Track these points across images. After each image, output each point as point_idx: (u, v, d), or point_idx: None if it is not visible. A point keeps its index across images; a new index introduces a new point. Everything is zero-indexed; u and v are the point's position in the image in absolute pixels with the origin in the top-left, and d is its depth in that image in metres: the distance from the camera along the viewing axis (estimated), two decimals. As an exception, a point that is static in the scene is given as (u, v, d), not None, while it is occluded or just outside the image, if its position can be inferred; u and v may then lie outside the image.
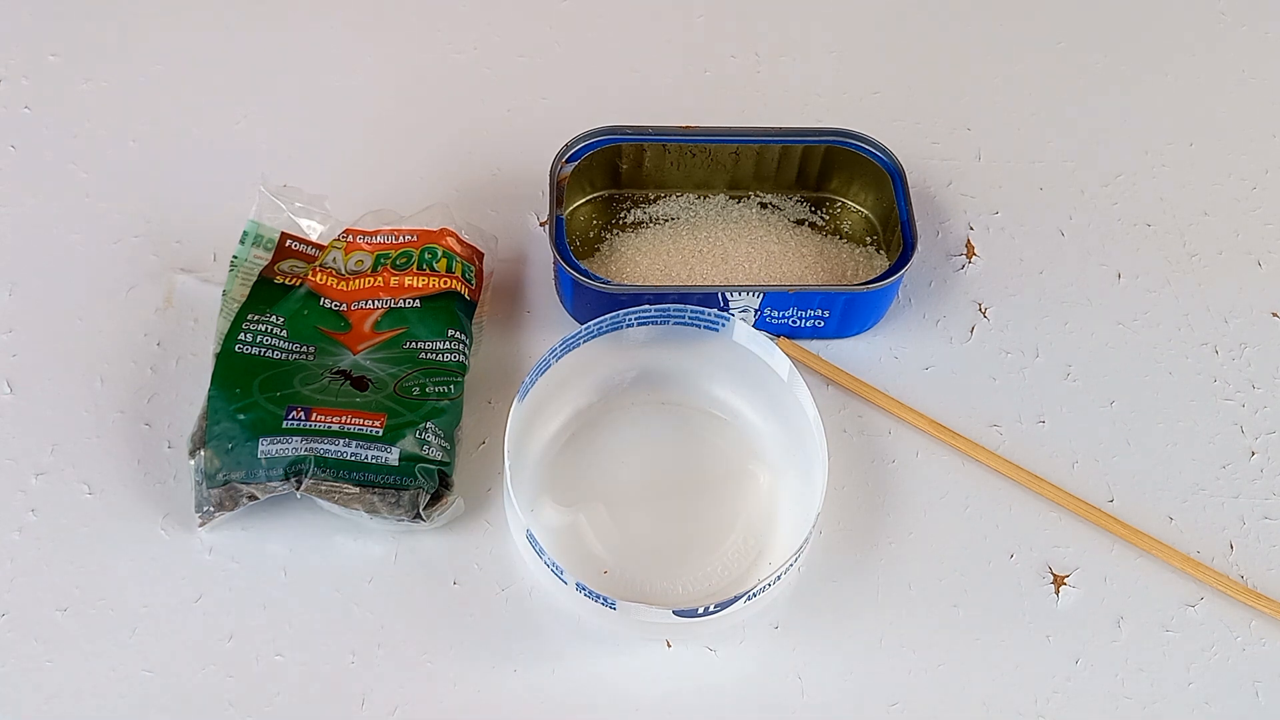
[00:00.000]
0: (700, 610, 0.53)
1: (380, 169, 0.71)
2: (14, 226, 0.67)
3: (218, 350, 0.59)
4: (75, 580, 0.56)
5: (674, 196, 0.70)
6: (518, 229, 0.69)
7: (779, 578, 0.54)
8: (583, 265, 0.65)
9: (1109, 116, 0.77)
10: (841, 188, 0.70)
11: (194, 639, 0.55)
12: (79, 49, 0.75)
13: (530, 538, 0.54)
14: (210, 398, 0.58)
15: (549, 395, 0.60)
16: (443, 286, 0.62)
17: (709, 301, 0.63)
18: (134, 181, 0.69)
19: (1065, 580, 0.59)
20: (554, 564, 0.53)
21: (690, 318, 0.60)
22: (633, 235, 0.69)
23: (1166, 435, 0.63)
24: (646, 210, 0.70)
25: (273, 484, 0.56)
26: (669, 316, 0.60)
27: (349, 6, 0.79)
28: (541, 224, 0.70)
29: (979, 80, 0.78)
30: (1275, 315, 0.68)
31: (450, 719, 0.54)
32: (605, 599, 0.53)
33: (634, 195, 0.70)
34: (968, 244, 0.70)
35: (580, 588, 0.53)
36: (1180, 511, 0.61)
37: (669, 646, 0.56)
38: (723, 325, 0.60)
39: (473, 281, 0.63)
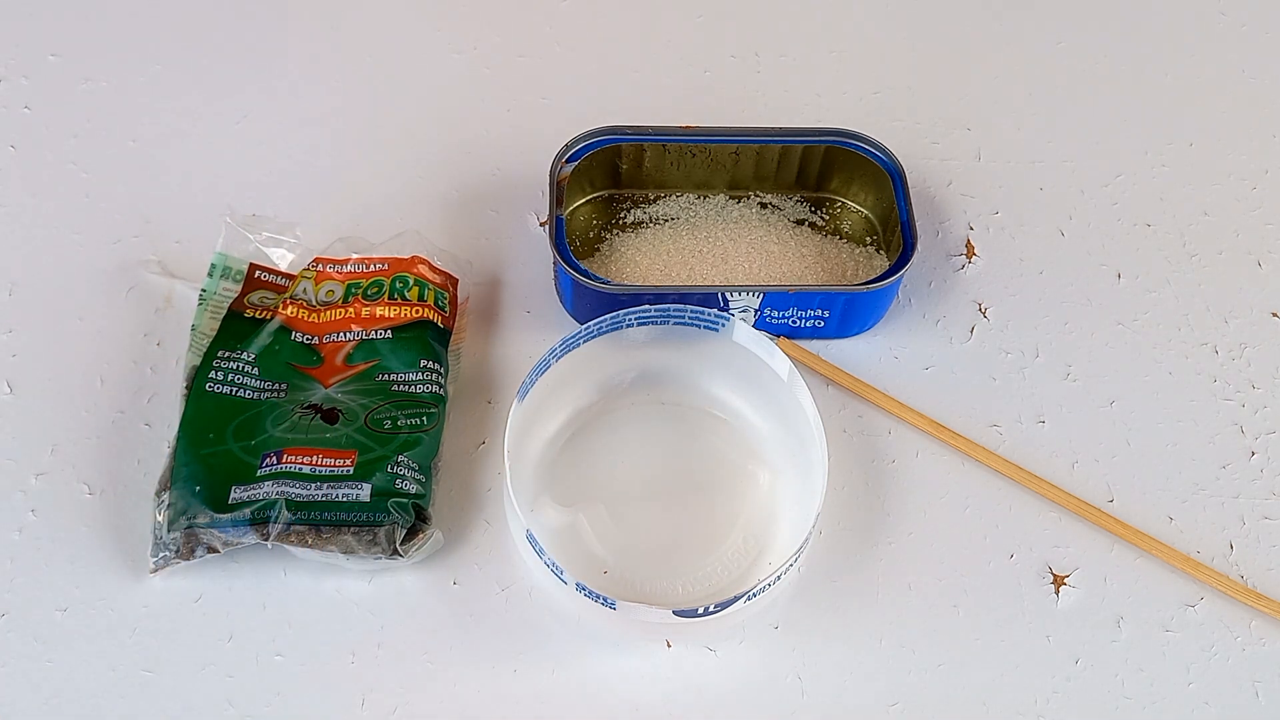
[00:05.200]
0: (700, 610, 0.53)
1: (381, 169, 0.71)
2: (14, 226, 0.67)
3: (187, 388, 0.59)
4: (75, 580, 0.56)
5: (674, 196, 0.70)
6: (518, 229, 0.69)
7: (779, 578, 0.54)
8: (583, 265, 0.65)
9: (1109, 116, 0.77)
10: (841, 188, 0.70)
11: (194, 639, 0.55)
12: (79, 49, 0.75)
13: (530, 538, 0.54)
14: (179, 439, 0.57)
15: (549, 395, 0.59)
16: (415, 316, 0.62)
17: (709, 301, 0.63)
18: (134, 182, 0.69)
19: (1065, 580, 0.59)
20: (554, 564, 0.53)
21: (690, 318, 0.60)
22: (633, 235, 0.69)
23: (1166, 435, 0.63)
24: (646, 210, 0.70)
25: (238, 533, 0.55)
26: (669, 316, 0.60)
27: (349, 7, 0.79)
28: (541, 224, 0.70)
29: (979, 80, 0.78)
30: (1275, 315, 0.68)
31: (450, 719, 0.54)
32: (605, 599, 0.53)
33: (634, 195, 0.70)
34: (968, 244, 0.70)
35: (580, 588, 0.53)
36: (1180, 511, 0.61)
37: (669, 646, 0.56)
38: (723, 325, 0.60)
39: (446, 309, 0.63)
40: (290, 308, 0.62)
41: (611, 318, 0.59)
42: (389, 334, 0.61)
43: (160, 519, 0.56)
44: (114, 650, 0.55)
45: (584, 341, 0.59)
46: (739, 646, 0.56)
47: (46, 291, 0.65)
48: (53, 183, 0.69)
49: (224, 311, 0.62)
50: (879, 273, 0.67)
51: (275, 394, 0.59)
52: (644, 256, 0.67)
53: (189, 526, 0.55)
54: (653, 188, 0.71)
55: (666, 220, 0.70)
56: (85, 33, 0.76)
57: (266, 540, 0.55)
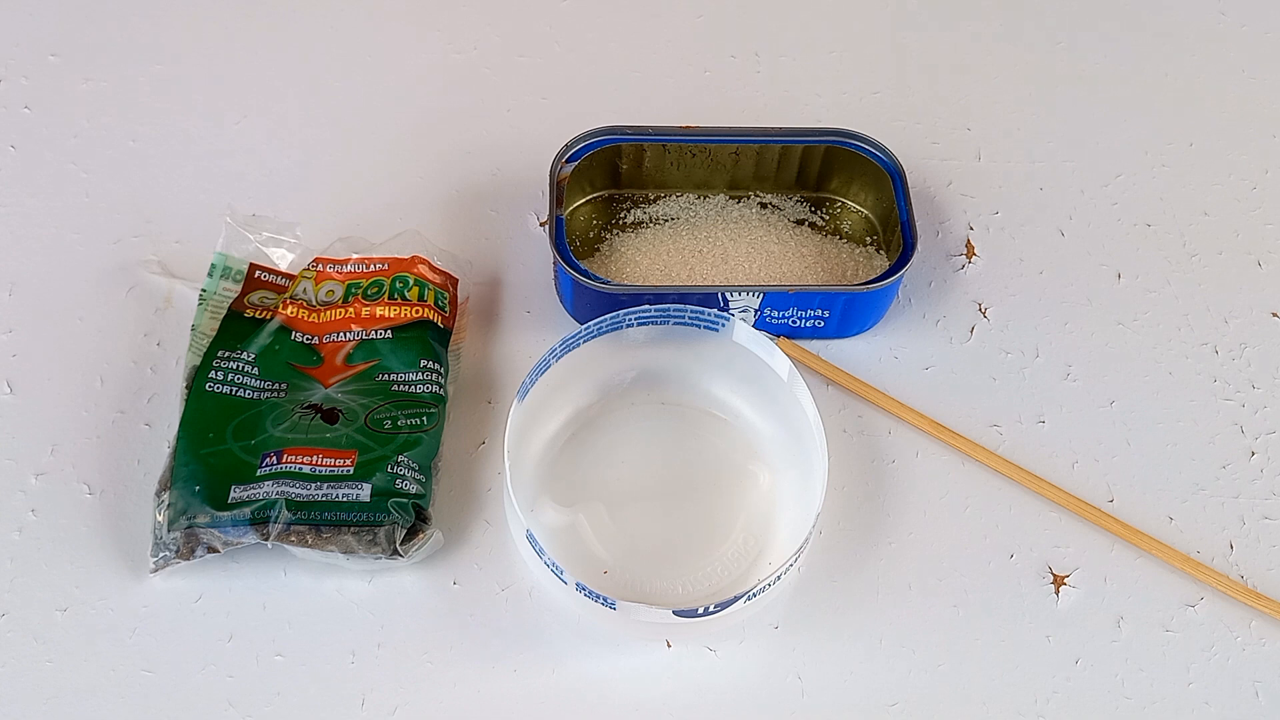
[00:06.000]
0: (700, 610, 0.53)
1: (381, 169, 0.71)
2: (14, 226, 0.67)
3: (187, 388, 0.59)
4: (75, 580, 0.56)
5: (674, 196, 0.70)
6: (518, 229, 0.69)
7: (779, 578, 0.54)
8: (583, 265, 0.65)
9: (1109, 116, 0.77)
10: (841, 188, 0.70)
11: (194, 639, 0.55)
12: (79, 49, 0.75)
13: (530, 538, 0.54)
14: (179, 439, 0.57)
15: (549, 395, 0.59)
16: (415, 316, 0.62)
17: (709, 301, 0.63)
18: (134, 182, 0.69)
19: (1065, 580, 0.59)
20: (554, 564, 0.53)
21: (690, 318, 0.60)
22: (633, 235, 0.69)
23: (1166, 435, 0.63)
24: (646, 210, 0.70)
25: (238, 532, 0.55)
26: (669, 316, 0.60)
27: (348, 6, 0.79)
28: (541, 224, 0.70)
29: (979, 80, 0.78)
30: (1275, 315, 0.68)
31: (450, 719, 0.54)
32: (605, 599, 0.53)
33: (634, 195, 0.70)
34: (968, 244, 0.70)
35: (580, 588, 0.53)
36: (1180, 511, 0.61)
37: (669, 646, 0.56)
38: (723, 325, 0.60)
39: (446, 309, 0.63)
40: (290, 308, 0.62)
41: (611, 318, 0.59)
42: (389, 334, 0.61)
43: (160, 519, 0.56)
44: (114, 650, 0.55)
45: (584, 341, 0.59)
46: (739, 646, 0.56)
47: (46, 291, 0.65)
48: (53, 183, 0.69)
49: (224, 311, 0.62)
50: (879, 273, 0.67)
51: (275, 394, 0.59)
52: (644, 256, 0.67)
53: (189, 526, 0.55)
54: (653, 188, 0.71)
55: (666, 220, 0.70)
56: (85, 33, 0.76)
57: (266, 540, 0.55)
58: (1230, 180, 0.74)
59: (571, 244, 0.68)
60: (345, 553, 0.55)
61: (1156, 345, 0.67)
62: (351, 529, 0.55)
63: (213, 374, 0.59)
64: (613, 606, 0.53)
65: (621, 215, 0.70)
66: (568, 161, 0.67)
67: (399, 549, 0.55)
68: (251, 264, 0.64)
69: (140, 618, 0.55)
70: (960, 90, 0.77)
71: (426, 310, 0.62)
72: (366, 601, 0.56)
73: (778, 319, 0.64)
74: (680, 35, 0.79)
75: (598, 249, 0.68)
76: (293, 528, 0.55)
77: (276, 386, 0.60)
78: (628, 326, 0.60)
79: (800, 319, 0.64)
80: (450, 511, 0.59)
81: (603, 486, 0.60)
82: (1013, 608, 0.58)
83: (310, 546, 0.55)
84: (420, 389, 0.60)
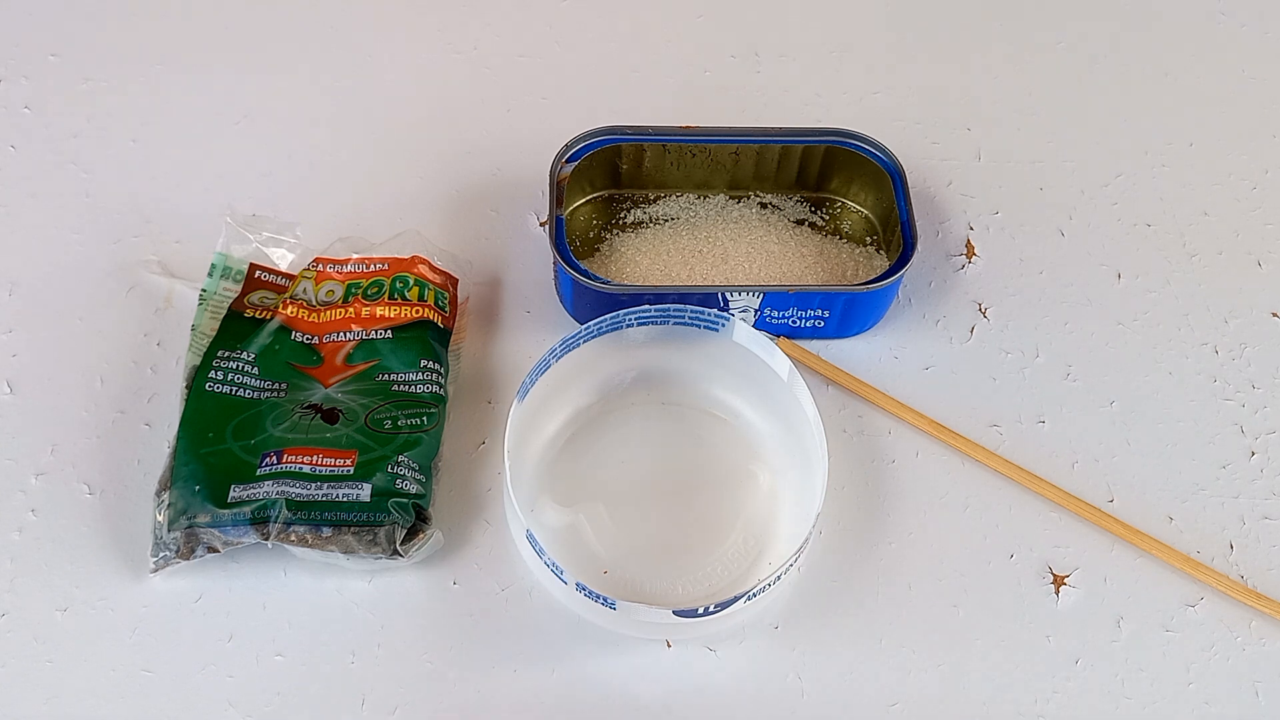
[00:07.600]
0: (700, 610, 0.53)
1: (381, 169, 0.71)
2: (14, 226, 0.67)
3: (187, 388, 0.59)
4: (75, 580, 0.56)
5: (674, 196, 0.70)
6: (518, 229, 0.69)
7: (779, 578, 0.54)
8: (583, 265, 0.65)
9: (1109, 116, 0.77)
10: (841, 188, 0.70)
11: (194, 639, 0.55)
12: (79, 49, 0.75)
13: (530, 538, 0.54)
14: (179, 438, 0.57)
15: (549, 395, 0.60)
16: (415, 316, 0.62)
17: (709, 301, 0.63)
18: (134, 182, 0.69)
19: (1065, 580, 0.59)
20: (554, 564, 0.53)
21: (690, 318, 0.60)
22: (633, 235, 0.69)
23: (1166, 435, 0.63)
24: (646, 210, 0.70)
25: (238, 532, 0.54)
26: (669, 316, 0.60)
27: (348, 6, 0.79)
28: (541, 224, 0.70)
29: (979, 80, 0.78)
30: (1275, 315, 0.68)
31: (450, 719, 0.54)
32: (605, 599, 0.53)
33: (634, 195, 0.70)
34: (968, 244, 0.70)
35: (580, 588, 0.53)
36: (1180, 511, 0.61)
37: (669, 646, 0.56)
38: (723, 325, 0.60)
39: (446, 309, 0.63)
40: (290, 308, 0.62)
41: (611, 318, 0.59)
42: (389, 334, 0.61)
43: (160, 519, 0.56)
44: (114, 650, 0.55)
45: (584, 341, 0.59)
46: (739, 646, 0.56)
47: (46, 291, 0.65)
48: (53, 183, 0.69)
49: (224, 311, 0.62)
50: (879, 273, 0.67)
51: (275, 394, 0.59)
52: (644, 256, 0.67)
53: (189, 526, 0.55)
54: (653, 188, 0.71)
55: (666, 220, 0.70)
56: (85, 33, 0.76)
57: (266, 540, 0.55)
58: (1230, 180, 0.74)
59: (571, 244, 0.68)
60: (345, 553, 0.55)
61: (1156, 345, 0.67)
62: (351, 529, 0.55)
63: (213, 374, 0.59)
64: (613, 606, 0.53)
65: (621, 215, 0.70)
66: (568, 161, 0.67)
67: (399, 549, 0.55)
68: (251, 264, 0.64)
69: (140, 618, 0.55)
70: (960, 90, 0.77)
71: (426, 310, 0.62)
72: (366, 601, 0.56)
73: (778, 319, 0.64)
74: (680, 35, 0.79)
75: (598, 249, 0.68)
76: (293, 528, 0.55)
77: (276, 386, 0.60)
78: (628, 326, 0.60)
79: (800, 319, 0.64)
80: (450, 511, 0.59)
81: (603, 486, 0.60)
82: (1013, 608, 0.58)
83: (310, 546, 0.55)
84: (420, 389, 0.60)
